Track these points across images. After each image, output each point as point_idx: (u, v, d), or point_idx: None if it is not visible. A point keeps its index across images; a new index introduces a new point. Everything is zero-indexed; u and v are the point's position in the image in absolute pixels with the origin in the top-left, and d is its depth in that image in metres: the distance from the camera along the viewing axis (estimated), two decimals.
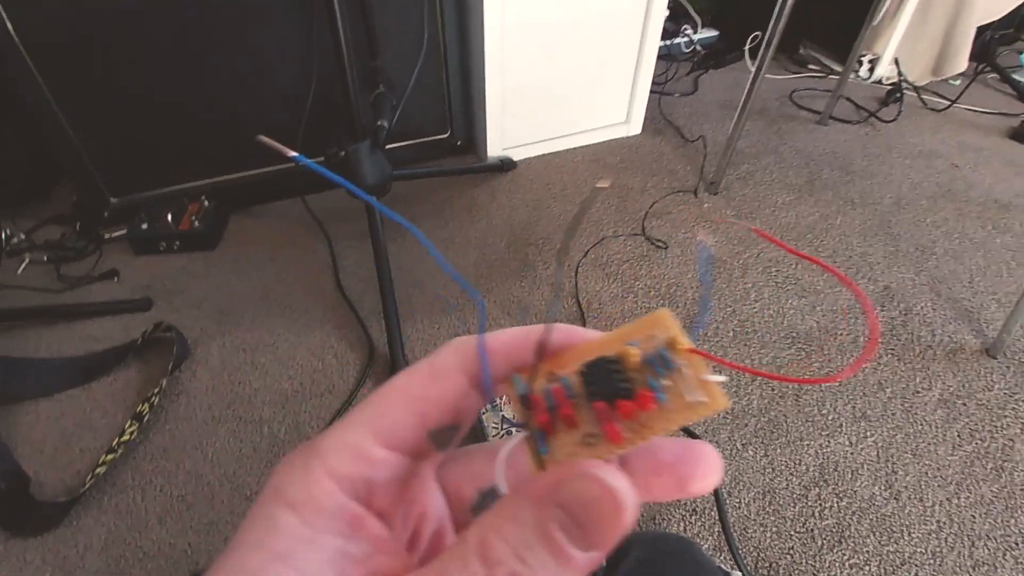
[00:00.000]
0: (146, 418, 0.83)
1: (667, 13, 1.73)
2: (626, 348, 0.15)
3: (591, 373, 0.15)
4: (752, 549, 0.71)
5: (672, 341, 0.15)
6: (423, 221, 1.19)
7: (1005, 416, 0.87)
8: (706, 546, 0.71)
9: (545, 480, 0.14)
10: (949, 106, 1.58)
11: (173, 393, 0.89)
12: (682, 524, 0.73)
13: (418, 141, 1.32)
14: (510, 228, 1.17)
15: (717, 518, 0.73)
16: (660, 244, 1.11)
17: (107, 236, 1.21)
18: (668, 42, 1.72)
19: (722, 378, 0.15)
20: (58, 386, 0.91)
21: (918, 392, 0.89)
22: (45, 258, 1.14)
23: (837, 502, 0.76)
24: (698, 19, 1.77)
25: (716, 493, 0.70)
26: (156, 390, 0.86)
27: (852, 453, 0.81)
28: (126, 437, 0.81)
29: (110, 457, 0.79)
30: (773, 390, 0.88)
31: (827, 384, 0.89)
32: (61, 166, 1.14)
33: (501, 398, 0.81)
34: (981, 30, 1.69)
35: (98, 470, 0.78)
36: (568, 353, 0.16)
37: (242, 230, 1.21)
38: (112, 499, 0.77)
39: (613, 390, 0.15)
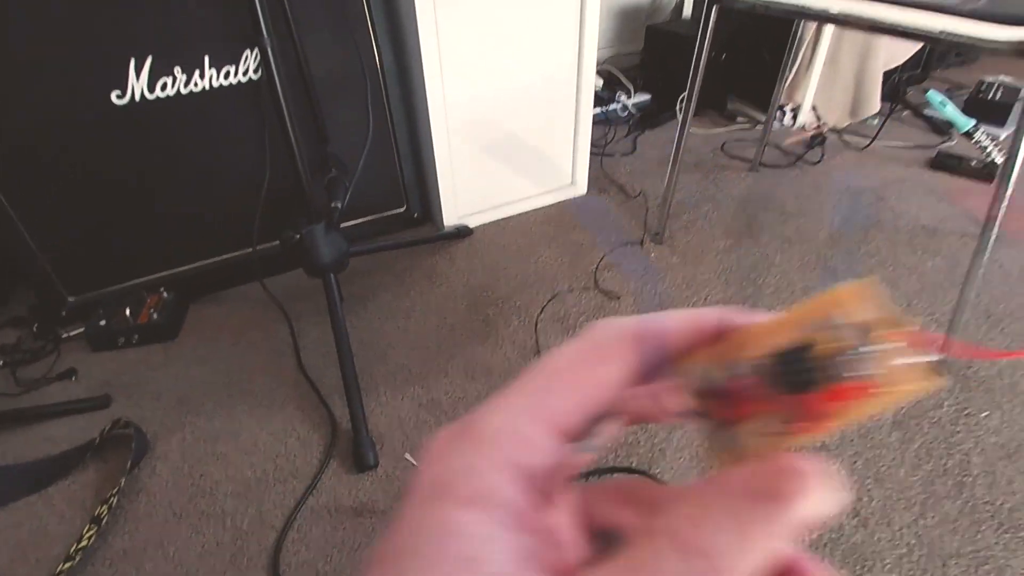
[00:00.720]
0: (104, 521, 0.81)
1: (601, 82, 1.87)
2: (814, 335, 0.14)
3: (785, 362, 0.14)
4: None
5: (870, 324, 0.13)
6: (383, 292, 1.22)
7: (958, 432, 0.90)
8: None
9: (744, 474, 0.13)
10: (869, 144, 1.70)
11: (132, 492, 0.87)
12: None
13: (376, 217, 1.37)
14: (470, 291, 1.20)
15: None
16: (613, 295, 1.15)
17: (64, 335, 1.20)
18: (605, 108, 1.83)
19: (932, 356, 0.13)
20: (14, 495, 0.88)
21: (872, 416, 0.92)
22: (1, 363, 1.12)
23: (808, 536, 0.77)
24: (630, 85, 1.90)
25: None
26: (114, 490, 0.84)
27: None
28: (84, 543, 0.78)
29: (67, 566, 0.76)
30: None
31: None
32: (17, 269, 1.14)
33: None
34: (889, 74, 1.85)
35: None
36: (738, 337, 0.15)
37: (202, 318, 1.21)
38: None
39: (813, 380, 0.14)
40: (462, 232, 1.36)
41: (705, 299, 1.14)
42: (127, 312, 1.16)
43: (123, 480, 0.85)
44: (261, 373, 1.06)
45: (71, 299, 1.22)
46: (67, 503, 0.86)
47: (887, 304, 0.14)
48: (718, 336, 0.16)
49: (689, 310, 0.16)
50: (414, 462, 0.78)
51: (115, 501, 0.83)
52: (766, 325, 0.15)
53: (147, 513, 0.84)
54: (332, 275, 1.03)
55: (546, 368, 0.16)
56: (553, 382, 0.15)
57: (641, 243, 1.29)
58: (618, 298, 1.15)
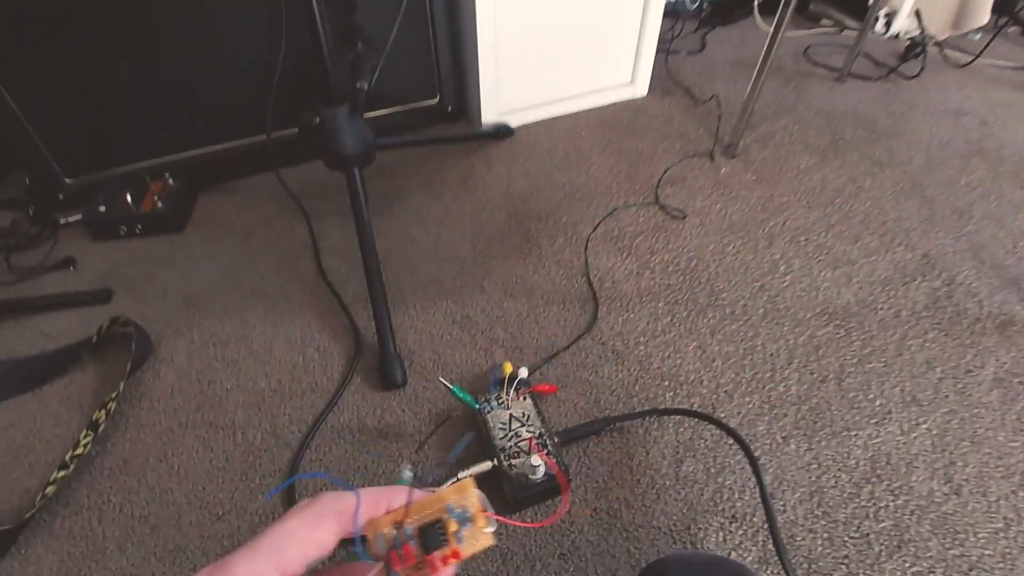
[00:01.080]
0: (102, 428, 0.73)
1: None
2: (445, 514, 0.26)
3: (425, 532, 0.26)
4: (802, 560, 0.62)
5: (471, 505, 0.27)
6: (413, 194, 1.08)
7: None
8: (749, 559, 0.62)
9: None
10: (973, 61, 1.47)
11: (134, 397, 0.78)
12: (721, 533, 0.64)
13: (404, 108, 1.20)
14: (509, 200, 1.06)
15: (761, 524, 0.64)
16: (677, 213, 1.00)
17: (63, 221, 1.09)
18: None
19: (492, 528, 0.27)
20: (6, 392, 0.80)
21: (970, 371, 0.80)
22: None
23: (893, 501, 0.67)
24: None
25: (763, 494, 0.61)
26: (113, 395, 0.75)
27: (905, 443, 0.72)
28: (80, 450, 0.71)
29: (62, 474, 0.69)
30: (812, 373, 0.78)
31: (876, 364, 0.79)
32: (10, 146, 1.01)
33: (512, 398, 0.71)
34: None
35: (48, 489, 0.67)
36: (408, 507, 0.26)
37: (212, 210, 1.09)
38: (65, 522, 0.66)
39: (438, 545, 0.26)
40: (502, 131, 1.19)
41: (784, 224, 0.99)
42: (128, 198, 1.04)
43: (122, 384, 0.76)
44: (276, 275, 0.95)
45: (69, 181, 1.10)
46: (63, 405, 0.78)
47: (476, 498, 0.27)
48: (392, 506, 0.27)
49: (376, 490, 0.27)
50: (448, 385, 0.67)
51: (113, 407, 0.74)
52: (422, 502, 0.26)
53: (150, 421, 0.75)
54: (356, 168, 0.89)
55: (281, 529, 0.24)
56: (287, 540, 0.24)
57: (711, 155, 1.12)
58: (683, 218, 1.00)
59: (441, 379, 0.68)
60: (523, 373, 0.74)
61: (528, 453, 0.66)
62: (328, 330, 0.85)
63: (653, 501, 0.66)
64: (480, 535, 0.26)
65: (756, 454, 0.66)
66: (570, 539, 0.63)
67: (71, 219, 1.08)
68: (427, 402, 0.76)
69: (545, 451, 0.66)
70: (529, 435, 0.67)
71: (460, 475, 0.64)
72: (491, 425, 0.69)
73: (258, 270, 0.96)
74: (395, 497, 0.26)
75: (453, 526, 0.26)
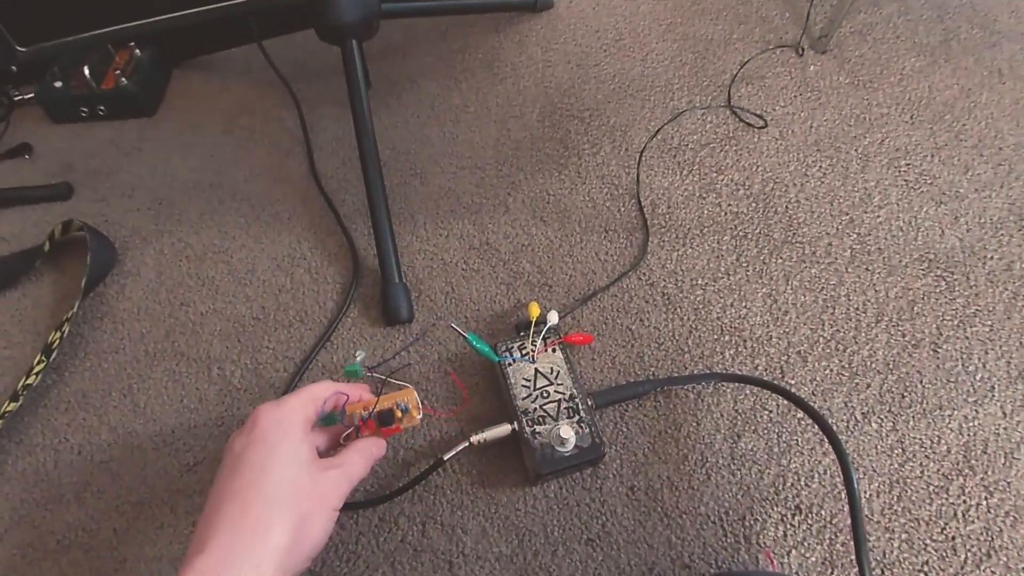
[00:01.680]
0: (55, 353, 0.62)
1: None
2: (394, 406, 0.47)
3: (382, 415, 0.47)
4: (875, 563, 0.52)
5: (411, 402, 0.48)
6: (425, 81, 0.89)
7: None
8: (812, 559, 0.52)
9: (366, 441, 0.47)
10: None
11: (94, 317, 0.67)
12: (781, 527, 0.53)
13: None
14: (545, 93, 0.87)
15: (829, 519, 0.53)
16: (754, 121, 0.81)
17: (17, 96, 0.92)
18: None
19: (420, 415, 0.49)
20: None
21: None
22: None
23: (987, 499, 0.56)
24: None
25: (849, 484, 0.49)
26: (68, 315, 0.64)
27: (1007, 429, 0.59)
28: (31, 379, 0.60)
29: (11, 407, 0.59)
30: (904, 335, 0.64)
31: (980, 328, 0.65)
32: None
33: (538, 349, 0.59)
34: None
35: None
36: (369, 400, 0.48)
37: (187, 90, 0.91)
38: (17, 464, 0.58)
39: (388, 423, 0.47)
40: (540, 2, 0.97)
41: (882, 142, 0.80)
42: (86, 72, 0.86)
43: (76, 304, 0.64)
44: (262, 175, 0.79)
45: (21, 50, 0.91)
46: (16, 323, 0.67)
47: (414, 399, 0.49)
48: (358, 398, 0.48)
49: (358, 386, 0.50)
50: (462, 333, 0.55)
51: (68, 329, 0.63)
52: (383, 398, 0.48)
53: (112, 347, 0.64)
54: (354, 41, 0.70)
55: (312, 387, 0.47)
56: (318, 393, 0.46)
57: (798, 49, 0.90)
58: (761, 127, 0.81)
59: (452, 325, 0.55)
60: (552, 318, 0.61)
61: (556, 420, 0.54)
62: (321, 248, 0.72)
63: (702, 482, 0.55)
64: (412, 419, 0.48)
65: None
66: (600, 522, 0.54)
67: (27, 96, 0.92)
68: (437, 343, 0.64)
69: (576, 417, 0.54)
70: (559, 396, 0.55)
71: (473, 439, 0.53)
72: (512, 382, 0.57)
73: (240, 168, 0.80)
74: (365, 392, 0.49)
75: (398, 414, 0.47)
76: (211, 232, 0.74)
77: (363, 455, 0.45)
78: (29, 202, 0.79)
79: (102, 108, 0.87)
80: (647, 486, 0.55)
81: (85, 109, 0.88)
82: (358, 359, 0.55)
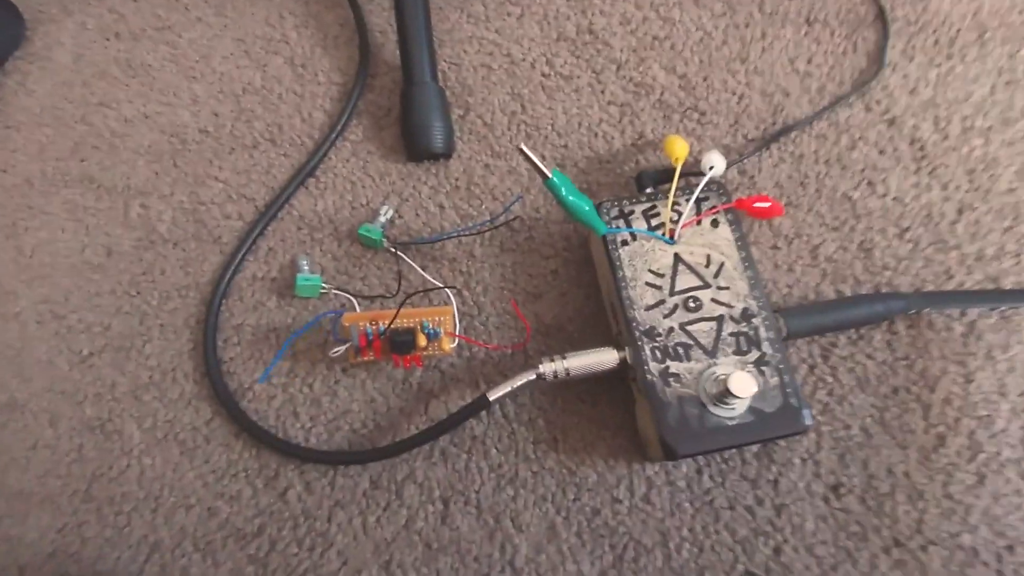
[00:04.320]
0: None
1: None
2: (418, 327, 0.30)
3: (396, 334, 0.29)
4: None
5: (444, 326, 0.30)
6: None
7: None
8: None
9: None
10: None
11: None
12: None
13: None
14: None
15: None
16: None
17: None
18: None
19: (454, 344, 0.31)
20: None
21: None
22: None
23: None
24: None
25: None
26: None
27: None
28: None
29: None
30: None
31: None
32: None
33: (683, 219, 0.31)
34: None
35: None
36: (378, 313, 0.31)
37: None
38: None
39: (405, 351, 0.30)
40: None
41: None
42: None
43: None
44: None
45: None
46: None
47: (450, 321, 0.30)
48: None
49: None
50: (538, 165, 0.27)
51: None
52: (404, 312, 0.30)
53: (5, 164, 0.41)
54: None
55: None
56: None
57: None
58: None
59: (524, 148, 0.27)
60: (715, 164, 0.32)
61: (712, 354, 0.28)
62: (313, 27, 0.44)
63: (970, 489, 0.29)
64: (441, 348, 0.31)
65: None
66: (772, 545, 0.29)
67: None
68: (488, 194, 0.37)
69: (755, 353, 0.28)
70: (722, 310, 0.29)
71: (544, 368, 0.28)
72: (627, 275, 0.30)
73: None
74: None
75: (422, 340, 0.30)
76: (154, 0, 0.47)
77: None
78: None
79: None
80: (867, 490, 0.29)
81: None
82: (382, 216, 0.35)
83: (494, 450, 0.31)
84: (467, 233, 0.36)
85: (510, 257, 0.35)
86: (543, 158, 0.38)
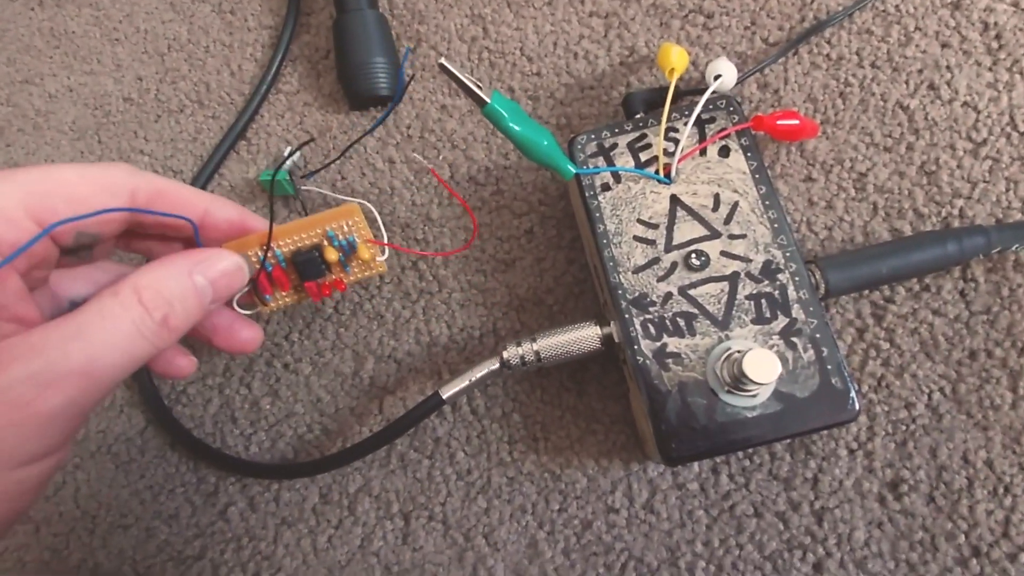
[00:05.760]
0: None
1: None
2: (324, 241, 0.22)
3: (300, 258, 0.22)
4: None
5: (358, 232, 0.22)
6: None
7: None
8: None
9: (193, 253, 0.20)
10: None
11: None
12: None
13: None
14: None
15: None
16: None
17: None
18: None
19: (384, 256, 0.23)
20: None
21: None
22: None
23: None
24: None
25: None
26: None
27: None
28: None
29: None
30: None
31: None
32: None
33: (683, 146, 0.24)
34: None
35: None
36: (266, 232, 0.22)
37: None
38: None
39: (317, 275, 0.22)
40: None
41: None
42: None
43: None
44: None
45: None
46: None
47: (363, 225, 0.22)
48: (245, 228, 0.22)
49: (236, 208, 0.22)
50: (460, 77, 0.21)
51: None
52: (297, 224, 0.22)
53: None
54: None
55: (51, 171, 0.17)
56: (54, 183, 0.17)
57: None
58: None
59: (444, 62, 0.20)
60: (722, 73, 0.25)
61: (725, 324, 0.21)
62: None
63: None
64: (368, 265, 0.23)
65: None
66: (812, 559, 0.22)
67: None
68: (447, 141, 0.31)
69: (781, 320, 0.21)
70: (736, 264, 0.22)
71: (506, 354, 0.22)
72: (611, 230, 0.23)
73: None
74: (251, 218, 0.23)
75: (332, 255, 0.22)
76: None
77: (153, 291, 0.18)
78: None
79: None
80: (936, 487, 0.23)
81: None
82: (287, 162, 0.30)
83: (461, 453, 0.26)
84: (366, 134, 0.30)
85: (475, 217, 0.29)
86: (511, 94, 0.31)
